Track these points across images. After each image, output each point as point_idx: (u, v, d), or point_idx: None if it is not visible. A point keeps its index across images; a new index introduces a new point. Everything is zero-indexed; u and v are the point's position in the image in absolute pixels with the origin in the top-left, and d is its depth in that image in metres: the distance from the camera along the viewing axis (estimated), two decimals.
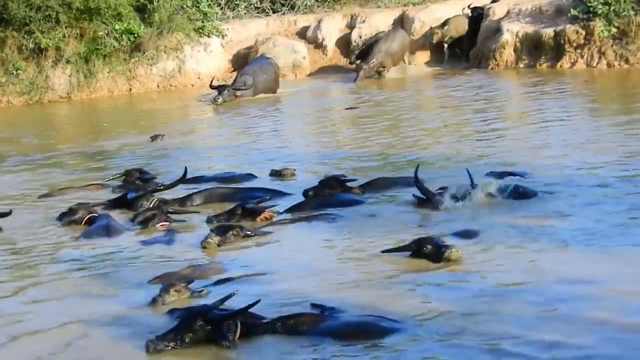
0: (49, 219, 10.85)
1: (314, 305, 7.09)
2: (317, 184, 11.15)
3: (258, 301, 6.76)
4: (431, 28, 25.33)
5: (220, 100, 21.27)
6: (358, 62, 23.37)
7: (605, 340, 6.18)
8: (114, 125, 19.71)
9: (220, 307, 6.74)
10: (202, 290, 7.67)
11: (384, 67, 23.59)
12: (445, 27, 25.03)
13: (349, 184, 11.15)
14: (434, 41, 25.24)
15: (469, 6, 25.40)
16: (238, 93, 21.74)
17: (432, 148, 13.88)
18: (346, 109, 18.44)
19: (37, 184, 13.44)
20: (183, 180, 11.69)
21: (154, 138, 16.49)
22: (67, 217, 10.56)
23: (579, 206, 9.67)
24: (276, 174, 12.46)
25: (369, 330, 6.53)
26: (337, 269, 8.23)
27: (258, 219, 10.10)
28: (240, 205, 10.24)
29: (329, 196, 10.78)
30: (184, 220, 10.46)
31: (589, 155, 12.17)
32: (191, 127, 18.90)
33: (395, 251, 8.47)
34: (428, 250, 8.26)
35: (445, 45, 25.24)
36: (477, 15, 24.96)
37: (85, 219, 10.44)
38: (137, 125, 19.19)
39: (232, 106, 21.02)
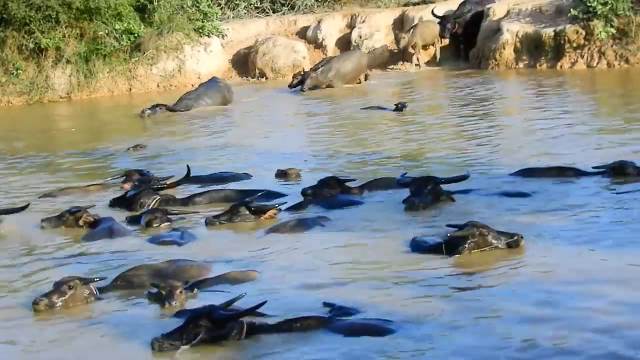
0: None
1: (325, 305, 7.09)
2: (316, 183, 11.17)
3: (264, 302, 6.78)
4: (398, 33, 25.06)
5: (148, 112, 20.20)
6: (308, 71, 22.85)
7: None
8: (112, 128, 19.75)
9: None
10: (194, 290, 7.70)
11: (331, 82, 22.83)
12: (411, 33, 24.67)
13: (348, 184, 11.16)
14: (401, 47, 24.85)
15: (432, 12, 25.18)
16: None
17: (433, 150, 13.87)
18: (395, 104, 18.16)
19: (37, 184, 13.44)
20: (187, 178, 11.72)
21: (134, 148, 15.84)
22: (59, 220, 10.53)
23: (573, 205, 9.70)
24: (281, 175, 12.47)
25: (374, 333, 6.53)
26: (332, 270, 8.22)
27: (262, 218, 10.15)
28: (243, 204, 10.25)
29: (327, 196, 10.81)
30: (183, 218, 10.51)
31: (589, 155, 12.19)
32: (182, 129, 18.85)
33: (456, 229, 8.32)
34: (493, 238, 8.15)
35: (411, 51, 24.87)
36: (478, 14, 24.85)
37: (88, 221, 10.42)
38: (130, 128, 19.16)
39: (226, 108, 21.02)
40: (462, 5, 25.33)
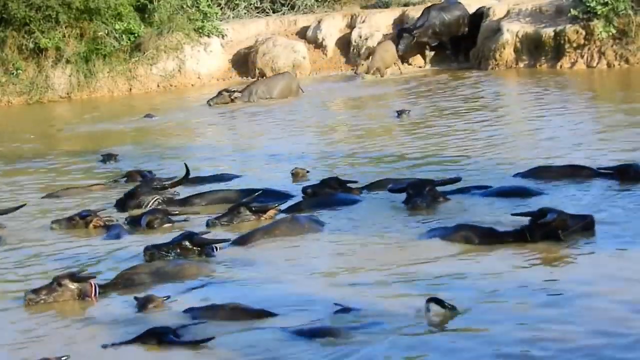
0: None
1: (336, 305, 7.08)
2: (317, 182, 11.26)
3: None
4: (358, 60, 24.36)
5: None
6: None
7: None
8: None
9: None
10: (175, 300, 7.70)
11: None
12: (371, 59, 23.88)
13: (349, 185, 11.22)
14: (359, 72, 23.80)
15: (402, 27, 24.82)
16: None
17: (434, 151, 13.87)
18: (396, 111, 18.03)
19: (39, 184, 13.47)
20: (187, 178, 11.73)
21: (105, 158, 14.98)
22: (70, 223, 10.53)
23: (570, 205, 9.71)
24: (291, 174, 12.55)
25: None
26: (332, 269, 8.27)
27: (262, 218, 10.19)
28: (244, 205, 10.27)
29: (327, 195, 10.88)
30: (186, 220, 10.51)
31: (589, 156, 12.19)
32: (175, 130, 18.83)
33: (524, 216, 8.45)
34: (567, 224, 8.20)
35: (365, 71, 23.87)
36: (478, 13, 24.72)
37: (99, 225, 10.43)
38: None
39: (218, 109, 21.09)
40: (425, 12, 24.58)
